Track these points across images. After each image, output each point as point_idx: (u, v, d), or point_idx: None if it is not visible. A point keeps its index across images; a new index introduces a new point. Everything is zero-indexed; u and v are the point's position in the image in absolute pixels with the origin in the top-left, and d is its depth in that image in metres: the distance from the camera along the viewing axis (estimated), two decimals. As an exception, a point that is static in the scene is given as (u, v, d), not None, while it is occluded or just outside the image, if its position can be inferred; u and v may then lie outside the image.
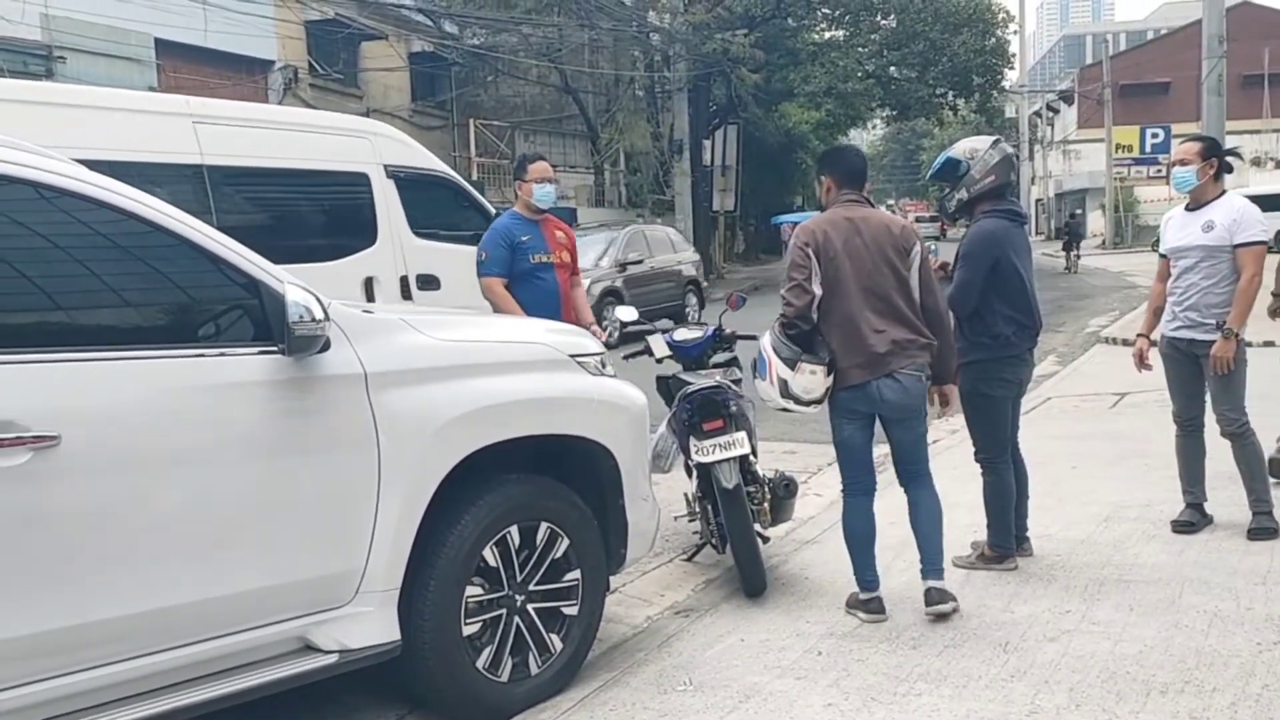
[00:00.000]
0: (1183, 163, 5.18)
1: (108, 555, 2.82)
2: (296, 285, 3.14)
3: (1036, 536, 5.16)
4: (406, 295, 7.64)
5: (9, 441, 2.63)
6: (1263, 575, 4.61)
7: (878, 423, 4.41)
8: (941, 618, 4.30)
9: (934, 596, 4.35)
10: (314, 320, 3.07)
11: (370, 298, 7.32)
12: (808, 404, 4.28)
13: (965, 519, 5.16)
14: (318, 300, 3.12)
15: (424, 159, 8.47)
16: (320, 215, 7.58)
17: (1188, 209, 5.22)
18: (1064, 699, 3.54)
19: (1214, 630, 4.04)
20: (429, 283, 7.95)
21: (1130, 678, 3.67)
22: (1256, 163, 45.09)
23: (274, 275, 3.16)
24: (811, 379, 4.22)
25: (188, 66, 19.77)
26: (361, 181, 7.54)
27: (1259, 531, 5.11)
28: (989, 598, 4.55)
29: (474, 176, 24.71)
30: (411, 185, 7.98)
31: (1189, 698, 3.49)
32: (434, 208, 8.32)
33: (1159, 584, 4.59)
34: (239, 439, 3.07)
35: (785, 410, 4.40)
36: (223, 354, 3.07)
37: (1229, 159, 5.21)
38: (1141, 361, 5.50)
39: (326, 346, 3.18)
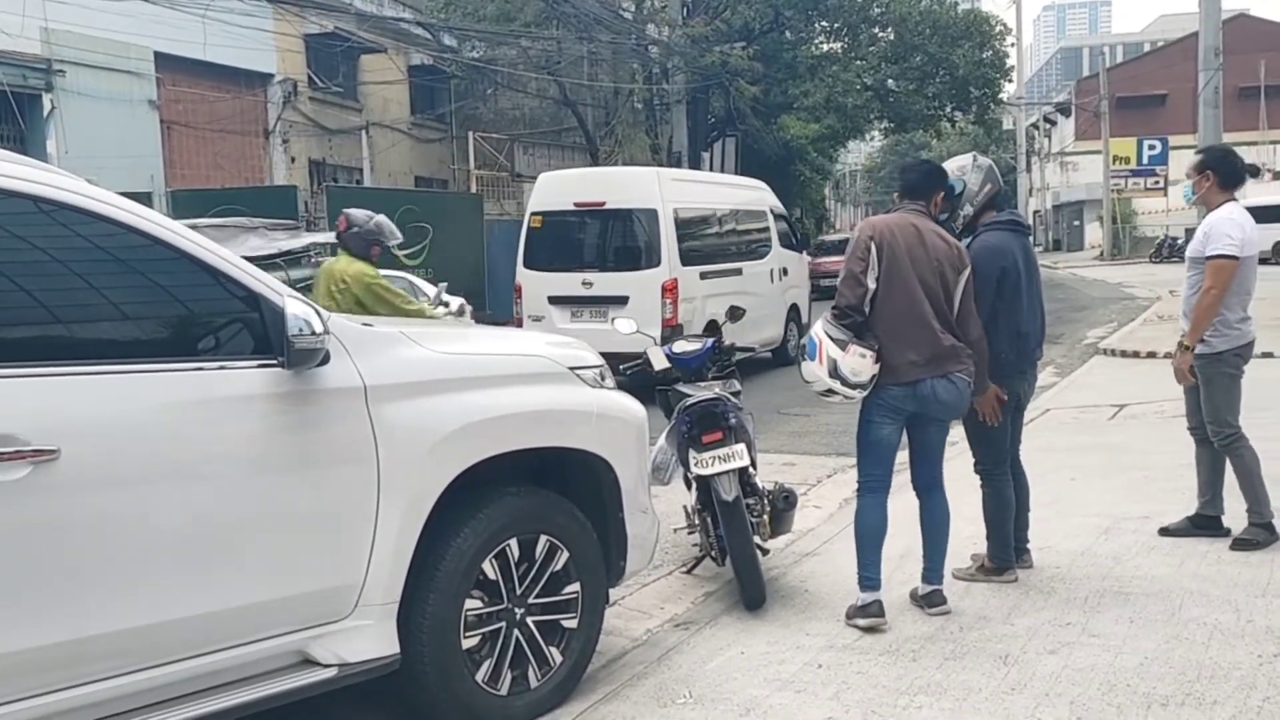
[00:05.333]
0: (1187, 176, 5.37)
1: (107, 569, 2.81)
2: (296, 298, 3.14)
3: (1036, 548, 5.16)
4: (775, 282, 13.99)
5: (8, 455, 2.62)
6: (1262, 587, 4.61)
7: None
8: (941, 615, 4.47)
9: (937, 599, 4.50)
10: (313, 333, 3.07)
11: (773, 280, 13.85)
12: (854, 387, 4.28)
13: (965, 530, 5.15)
14: (317, 313, 3.12)
15: (778, 203, 15.08)
16: (756, 235, 14.02)
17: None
18: (1064, 712, 3.53)
19: (1214, 643, 4.04)
20: (784, 273, 14.27)
21: (1131, 690, 3.66)
22: (1253, 173, 45.13)
23: (273, 288, 3.16)
24: (860, 361, 4.25)
25: (187, 80, 19.83)
26: (765, 217, 14.25)
27: (1239, 542, 5.14)
28: (989, 610, 4.55)
29: (473, 189, 24.74)
30: (777, 218, 14.58)
31: (1190, 710, 3.49)
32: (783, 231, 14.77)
33: (1159, 596, 4.58)
34: (238, 452, 3.07)
35: (829, 393, 4.36)
36: (222, 367, 3.07)
37: (1248, 168, 5.29)
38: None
39: (326, 359, 3.18)
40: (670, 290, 11.31)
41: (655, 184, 11.87)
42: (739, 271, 13.01)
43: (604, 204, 11.86)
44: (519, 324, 11.85)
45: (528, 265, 12.06)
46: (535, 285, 11.96)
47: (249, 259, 9.35)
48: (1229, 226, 5.02)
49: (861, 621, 4.39)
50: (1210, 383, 5.13)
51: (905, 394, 4.32)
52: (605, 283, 11.46)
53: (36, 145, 16.30)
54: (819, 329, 4.37)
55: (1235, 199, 5.20)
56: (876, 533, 4.46)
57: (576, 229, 12.28)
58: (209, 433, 3.01)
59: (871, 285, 4.29)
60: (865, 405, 4.41)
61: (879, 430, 4.43)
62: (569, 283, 11.76)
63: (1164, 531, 5.37)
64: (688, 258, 11.71)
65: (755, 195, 14.54)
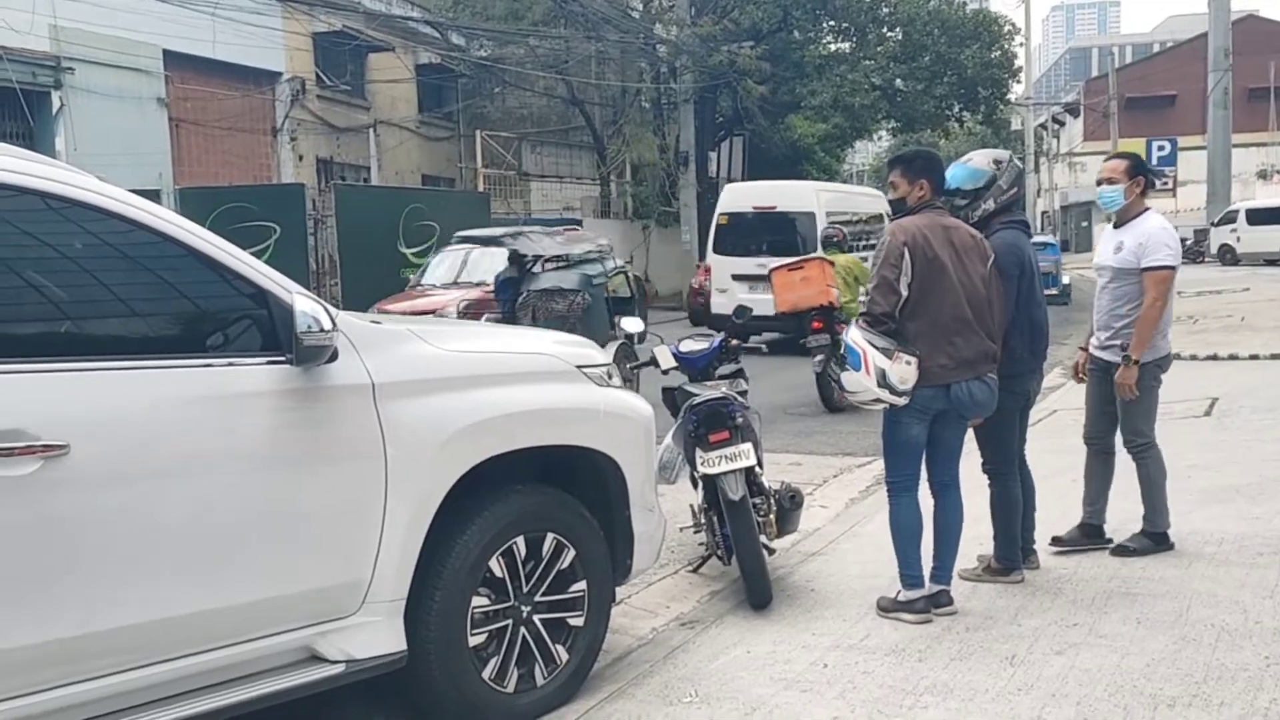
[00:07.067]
0: (1110, 181, 5.07)
1: (116, 564, 2.82)
2: (305, 295, 3.15)
3: (1043, 550, 5.15)
4: None
5: (19, 450, 2.63)
6: (1270, 589, 4.60)
7: None
8: (947, 615, 4.47)
9: (944, 599, 4.50)
10: (322, 330, 3.07)
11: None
12: (900, 394, 4.29)
13: (970, 531, 5.13)
14: (325, 310, 3.13)
15: (885, 205, 18.72)
16: (877, 230, 16.52)
17: (1114, 226, 5.16)
18: (1071, 712, 3.53)
19: (1222, 644, 4.03)
20: None
21: (1138, 691, 3.66)
22: (1263, 175, 45.02)
23: (282, 285, 3.16)
24: (907, 369, 4.26)
25: (196, 78, 19.89)
26: (882, 216, 16.97)
27: (1120, 549, 5.15)
28: (995, 610, 4.54)
29: (480, 188, 24.78)
30: (885, 219, 17.11)
31: (1197, 711, 3.48)
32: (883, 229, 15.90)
33: (1166, 597, 4.58)
34: (247, 449, 3.07)
35: (875, 403, 4.38)
36: (231, 364, 3.08)
37: (1151, 176, 5.18)
38: (1077, 373, 5.50)
39: (334, 357, 3.18)
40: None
41: (813, 194, 17.13)
42: (866, 259, 17.41)
43: (775, 208, 16.54)
44: (708, 296, 16.92)
45: (716, 252, 17.01)
46: (722, 267, 16.81)
47: (554, 257, 10.98)
48: (1166, 237, 4.93)
49: (908, 617, 4.43)
50: (1141, 396, 5.03)
51: (937, 394, 4.34)
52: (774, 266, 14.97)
53: (45, 142, 16.37)
54: (859, 338, 4.31)
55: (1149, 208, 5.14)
56: (915, 531, 4.50)
57: (755, 226, 16.76)
58: (217, 429, 3.01)
59: (904, 292, 4.29)
60: (894, 407, 4.40)
61: (908, 430, 4.43)
62: (748, 265, 16.13)
63: (1056, 541, 5.28)
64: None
65: (875, 201, 18.72)
